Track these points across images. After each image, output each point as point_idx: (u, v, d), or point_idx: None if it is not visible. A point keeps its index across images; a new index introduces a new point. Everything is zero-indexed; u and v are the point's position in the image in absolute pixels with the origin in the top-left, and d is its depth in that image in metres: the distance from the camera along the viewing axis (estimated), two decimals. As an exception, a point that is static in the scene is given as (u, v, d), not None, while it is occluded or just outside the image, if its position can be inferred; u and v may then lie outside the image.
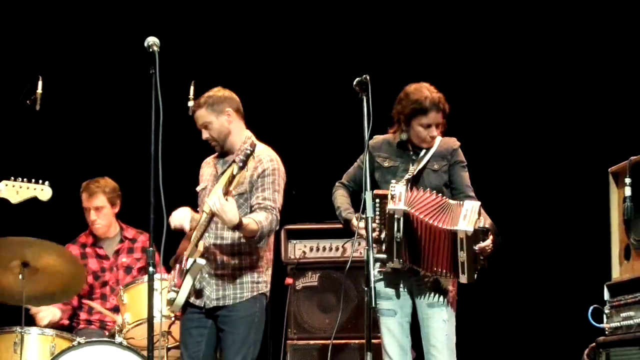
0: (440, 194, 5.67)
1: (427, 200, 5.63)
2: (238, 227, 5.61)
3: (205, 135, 5.90)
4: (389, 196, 5.59)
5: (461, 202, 5.64)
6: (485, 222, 5.56)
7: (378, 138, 5.93)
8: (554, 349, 7.72)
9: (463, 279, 5.59)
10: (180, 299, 5.79)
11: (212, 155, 6.06)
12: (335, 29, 8.38)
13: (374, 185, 5.76)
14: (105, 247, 7.29)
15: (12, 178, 6.23)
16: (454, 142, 5.89)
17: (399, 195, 5.58)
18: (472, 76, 8.16)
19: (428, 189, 5.67)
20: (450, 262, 5.59)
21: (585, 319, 5.83)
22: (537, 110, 8.20)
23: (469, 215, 5.54)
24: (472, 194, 5.80)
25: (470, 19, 8.27)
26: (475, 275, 5.58)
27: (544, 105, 8.18)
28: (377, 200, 5.58)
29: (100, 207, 7.19)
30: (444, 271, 5.62)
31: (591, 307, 5.84)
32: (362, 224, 5.56)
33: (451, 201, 5.67)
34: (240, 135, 5.91)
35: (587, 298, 5.97)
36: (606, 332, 5.85)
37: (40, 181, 6.27)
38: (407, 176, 5.74)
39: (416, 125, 5.76)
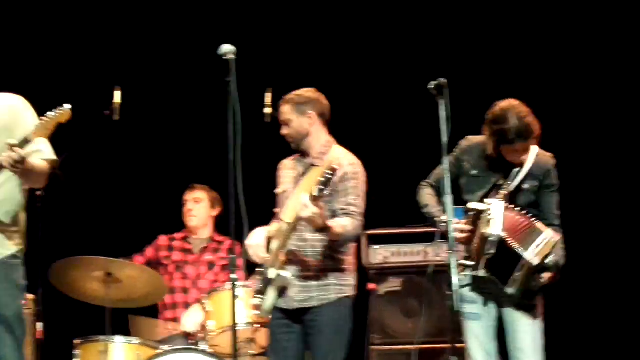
0: (532, 216, 5.54)
1: (520, 224, 5.50)
2: (324, 229, 5.60)
3: (284, 130, 5.91)
4: (486, 219, 5.47)
5: (543, 229, 5.51)
6: (554, 259, 5.44)
7: (471, 140, 5.77)
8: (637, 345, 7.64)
9: (508, 289, 5.52)
10: (267, 305, 5.77)
11: (291, 157, 6.05)
12: (413, 30, 8.34)
13: (458, 190, 5.65)
14: (193, 244, 7.42)
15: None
16: (547, 161, 5.70)
17: (497, 217, 5.48)
18: (553, 73, 8.08)
19: (522, 209, 5.55)
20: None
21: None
22: (612, 105, 8.10)
23: (541, 246, 5.44)
24: (557, 222, 5.66)
25: (550, 19, 8.19)
26: (520, 294, 5.52)
27: (621, 100, 8.08)
28: (471, 214, 5.53)
29: (199, 199, 7.37)
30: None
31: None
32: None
33: (538, 225, 5.53)
34: (320, 139, 5.89)
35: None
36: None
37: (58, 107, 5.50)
38: (503, 191, 5.60)
39: (503, 150, 5.58)
